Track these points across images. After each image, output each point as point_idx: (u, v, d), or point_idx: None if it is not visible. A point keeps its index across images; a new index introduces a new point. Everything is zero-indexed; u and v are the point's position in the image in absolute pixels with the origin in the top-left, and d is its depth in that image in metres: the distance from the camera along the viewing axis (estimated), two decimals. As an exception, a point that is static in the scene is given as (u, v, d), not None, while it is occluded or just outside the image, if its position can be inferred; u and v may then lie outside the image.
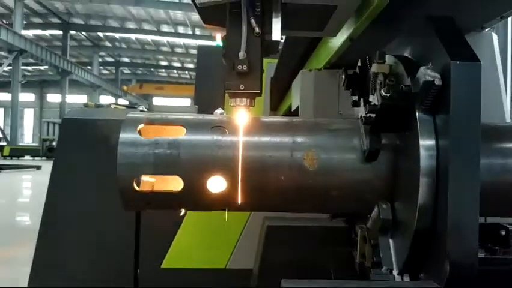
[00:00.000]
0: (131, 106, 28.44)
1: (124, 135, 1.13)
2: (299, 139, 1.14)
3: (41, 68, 36.24)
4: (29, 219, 7.25)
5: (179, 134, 1.14)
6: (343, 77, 1.28)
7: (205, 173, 1.11)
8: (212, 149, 1.12)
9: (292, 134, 1.15)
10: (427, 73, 0.94)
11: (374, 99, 1.14)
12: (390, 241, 1.13)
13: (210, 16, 1.37)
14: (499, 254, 1.23)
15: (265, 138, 1.15)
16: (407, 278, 1.04)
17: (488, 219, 1.33)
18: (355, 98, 1.28)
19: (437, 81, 0.93)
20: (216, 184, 1.12)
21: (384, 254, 1.16)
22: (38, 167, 18.09)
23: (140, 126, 1.15)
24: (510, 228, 1.27)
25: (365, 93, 1.20)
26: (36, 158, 25.27)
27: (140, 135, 1.14)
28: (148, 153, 1.12)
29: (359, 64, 1.24)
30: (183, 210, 1.23)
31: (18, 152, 26.15)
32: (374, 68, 1.09)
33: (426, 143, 0.98)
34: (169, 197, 1.14)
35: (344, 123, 1.20)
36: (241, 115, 1.17)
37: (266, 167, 1.12)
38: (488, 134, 1.09)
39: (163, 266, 1.90)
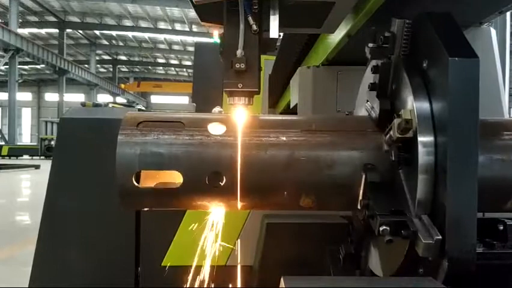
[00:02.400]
0: (129, 105, 28.34)
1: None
2: (297, 178, 1.12)
3: (38, 67, 36.10)
4: (29, 219, 7.25)
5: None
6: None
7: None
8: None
9: (292, 170, 1.12)
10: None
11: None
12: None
13: (206, 13, 1.36)
14: (497, 249, 1.23)
15: (263, 177, 1.12)
16: None
17: (486, 215, 1.34)
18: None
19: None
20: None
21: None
22: (37, 166, 18.05)
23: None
24: (508, 223, 1.27)
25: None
26: (34, 157, 25.22)
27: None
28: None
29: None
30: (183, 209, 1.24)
31: (17, 151, 26.11)
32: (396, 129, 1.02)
33: (424, 139, 0.98)
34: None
35: (346, 159, 1.13)
36: (239, 114, 1.17)
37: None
38: (486, 130, 1.09)
39: (163, 263, 1.91)
